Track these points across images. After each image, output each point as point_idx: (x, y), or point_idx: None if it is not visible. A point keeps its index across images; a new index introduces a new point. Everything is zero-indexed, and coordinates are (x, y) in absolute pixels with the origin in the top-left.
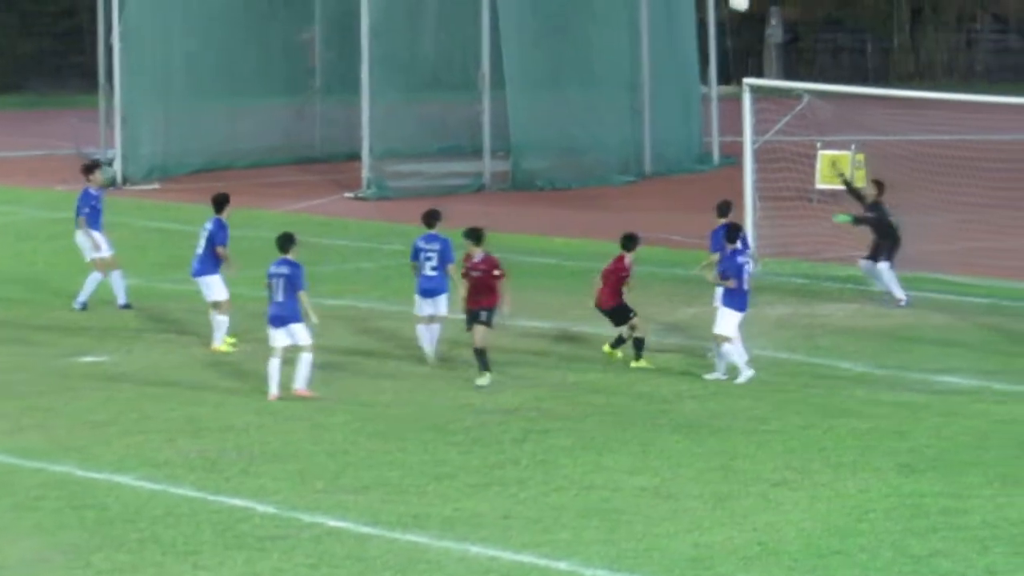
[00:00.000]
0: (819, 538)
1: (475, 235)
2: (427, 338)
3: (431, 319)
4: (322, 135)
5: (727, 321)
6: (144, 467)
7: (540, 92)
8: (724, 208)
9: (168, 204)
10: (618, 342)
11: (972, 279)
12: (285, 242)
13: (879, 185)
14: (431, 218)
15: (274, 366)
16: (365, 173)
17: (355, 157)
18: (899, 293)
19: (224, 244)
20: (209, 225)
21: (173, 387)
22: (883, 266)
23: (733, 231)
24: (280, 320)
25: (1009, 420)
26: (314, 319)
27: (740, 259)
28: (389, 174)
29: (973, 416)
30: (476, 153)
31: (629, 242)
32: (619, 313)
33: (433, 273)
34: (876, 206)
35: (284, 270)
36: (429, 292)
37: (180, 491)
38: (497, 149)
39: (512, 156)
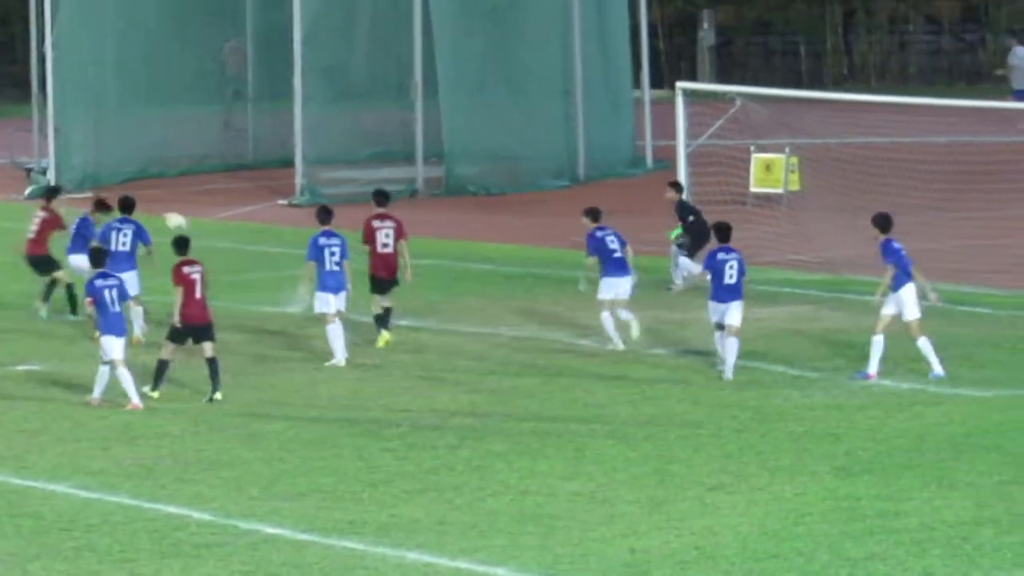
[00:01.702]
0: (756, 542)
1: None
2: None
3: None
4: (255, 142)
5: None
6: (79, 475)
7: (473, 98)
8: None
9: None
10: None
11: None
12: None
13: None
14: (326, 215)
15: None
16: (298, 179)
17: (288, 164)
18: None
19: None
20: (131, 226)
21: (107, 395)
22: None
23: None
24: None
25: (944, 422)
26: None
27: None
28: (322, 180)
29: (908, 419)
30: (409, 159)
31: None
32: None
33: (336, 268)
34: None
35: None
36: (336, 288)
37: (116, 499)
38: (430, 155)
39: (445, 162)
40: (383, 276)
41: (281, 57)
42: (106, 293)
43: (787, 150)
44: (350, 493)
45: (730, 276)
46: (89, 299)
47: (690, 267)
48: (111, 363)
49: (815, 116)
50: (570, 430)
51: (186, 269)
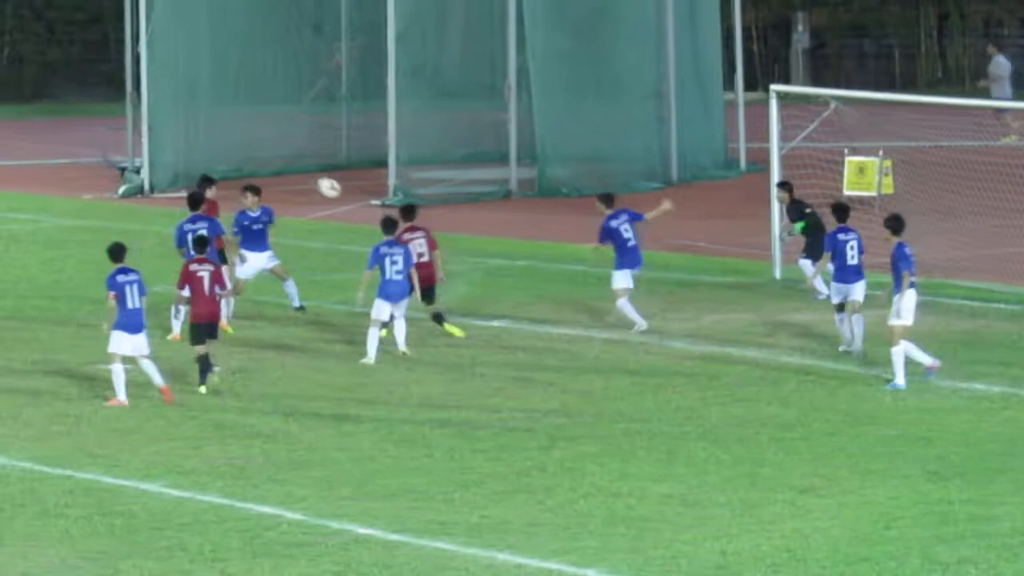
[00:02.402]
0: (846, 545)
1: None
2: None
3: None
4: (348, 142)
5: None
6: (171, 474)
7: (565, 99)
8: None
9: None
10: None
11: (1001, 285)
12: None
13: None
14: (392, 226)
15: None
16: (391, 180)
17: (381, 164)
18: (822, 288)
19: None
20: (206, 223)
21: (198, 394)
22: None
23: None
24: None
25: None
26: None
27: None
28: (415, 181)
29: (1001, 423)
30: (502, 160)
31: None
32: None
33: (398, 277)
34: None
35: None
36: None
37: (207, 498)
38: (523, 156)
39: (538, 163)
40: (424, 285)
41: (375, 57)
42: (127, 289)
43: (880, 153)
44: (441, 494)
45: (851, 256)
46: (112, 293)
47: (808, 270)
48: (111, 356)
49: (908, 119)
50: (661, 432)
51: (194, 267)
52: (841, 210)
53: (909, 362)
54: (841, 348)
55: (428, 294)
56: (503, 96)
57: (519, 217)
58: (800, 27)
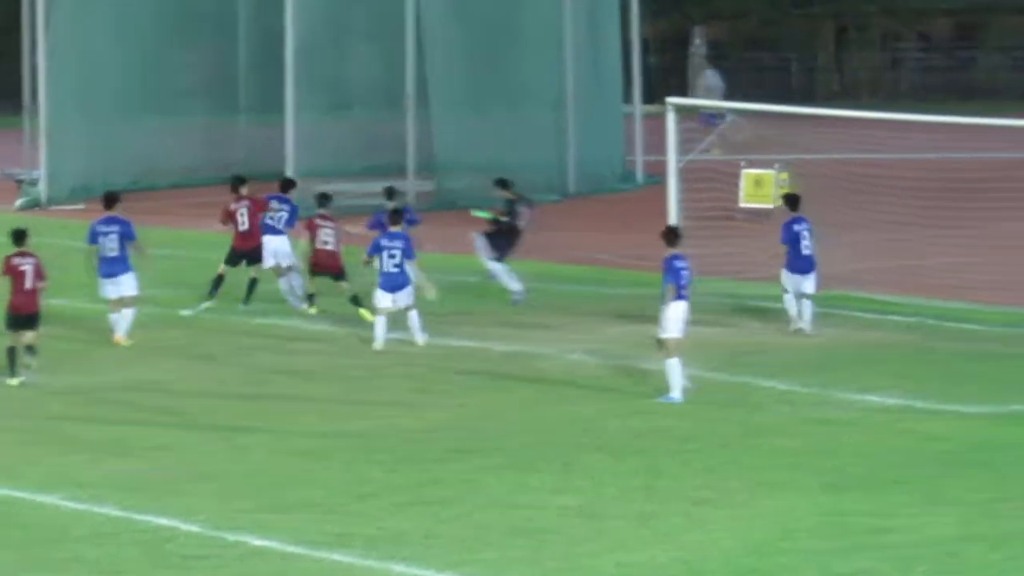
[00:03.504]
0: (742, 557)
1: None
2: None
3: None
4: (247, 153)
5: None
6: (69, 486)
7: (465, 112)
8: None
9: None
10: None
11: (897, 297)
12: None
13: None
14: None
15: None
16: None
17: (280, 176)
18: (515, 285)
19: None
20: (116, 226)
21: (99, 407)
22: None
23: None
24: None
25: (933, 438)
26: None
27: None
28: (314, 193)
29: (898, 435)
30: (401, 172)
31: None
32: None
33: (395, 270)
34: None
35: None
36: (390, 287)
37: (105, 510)
38: (422, 168)
39: (436, 175)
40: (331, 274)
41: (274, 67)
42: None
43: (777, 166)
44: (338, 506)
45: (805, 247)
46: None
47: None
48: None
49: (806, 132)
50: (559, 444)
51: (16, 260)
52: (793, 200)
53: (662, 376)
54: (792, 328)
55: (251, 259)
56: (403, 107)
57: (418, 229)
58: (698, 40)
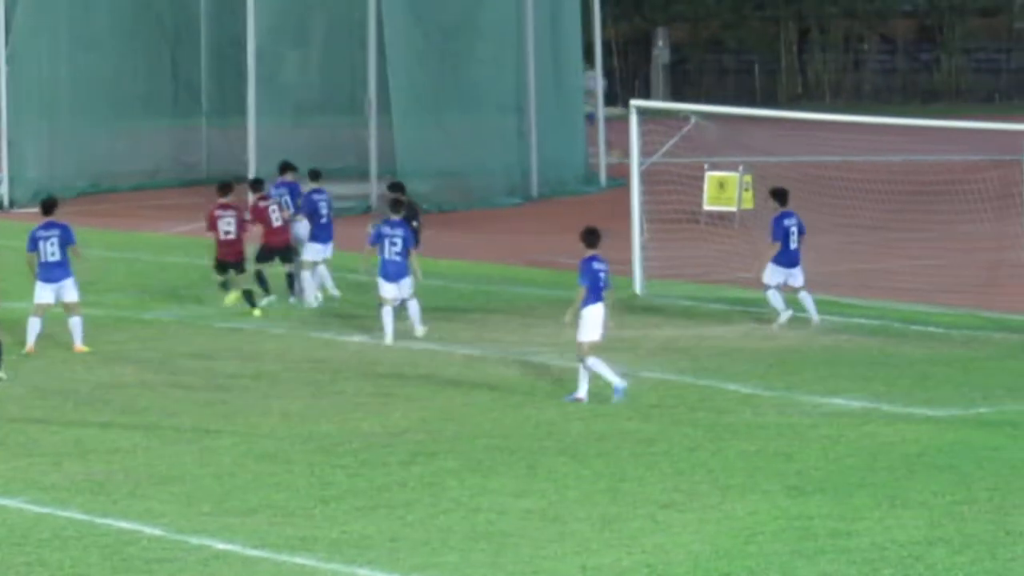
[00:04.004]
0: (707, 560)
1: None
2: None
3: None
4: (208, 156)
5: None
6: (31, 490)
7: (426, 115)
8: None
9: None
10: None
11: (860, 300)
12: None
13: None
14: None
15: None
16: (251, 195)
17: (242, 179)
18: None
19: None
20: (56, 230)
21: (58, 409)
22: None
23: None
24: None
25: (897, 441)
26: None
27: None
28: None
29: (861, 438)
30: (363, 176)
31: None
32: None
33: (397, 259)
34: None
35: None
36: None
37: (67, 514)
38: (384, 172)
39: (398, 178)
40: (231, 261)
41: (235, 71)
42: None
43: (741, 168)
44: (301, 509)
45: (793, 241)
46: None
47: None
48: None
49: (769, 134)
50: (522, 447)
51: None
52: (781, 194)
53: (598, 378)
54: (781, 321)
55: (224, 268)
56: (364, 111)
57: None
58: (660, 42)
